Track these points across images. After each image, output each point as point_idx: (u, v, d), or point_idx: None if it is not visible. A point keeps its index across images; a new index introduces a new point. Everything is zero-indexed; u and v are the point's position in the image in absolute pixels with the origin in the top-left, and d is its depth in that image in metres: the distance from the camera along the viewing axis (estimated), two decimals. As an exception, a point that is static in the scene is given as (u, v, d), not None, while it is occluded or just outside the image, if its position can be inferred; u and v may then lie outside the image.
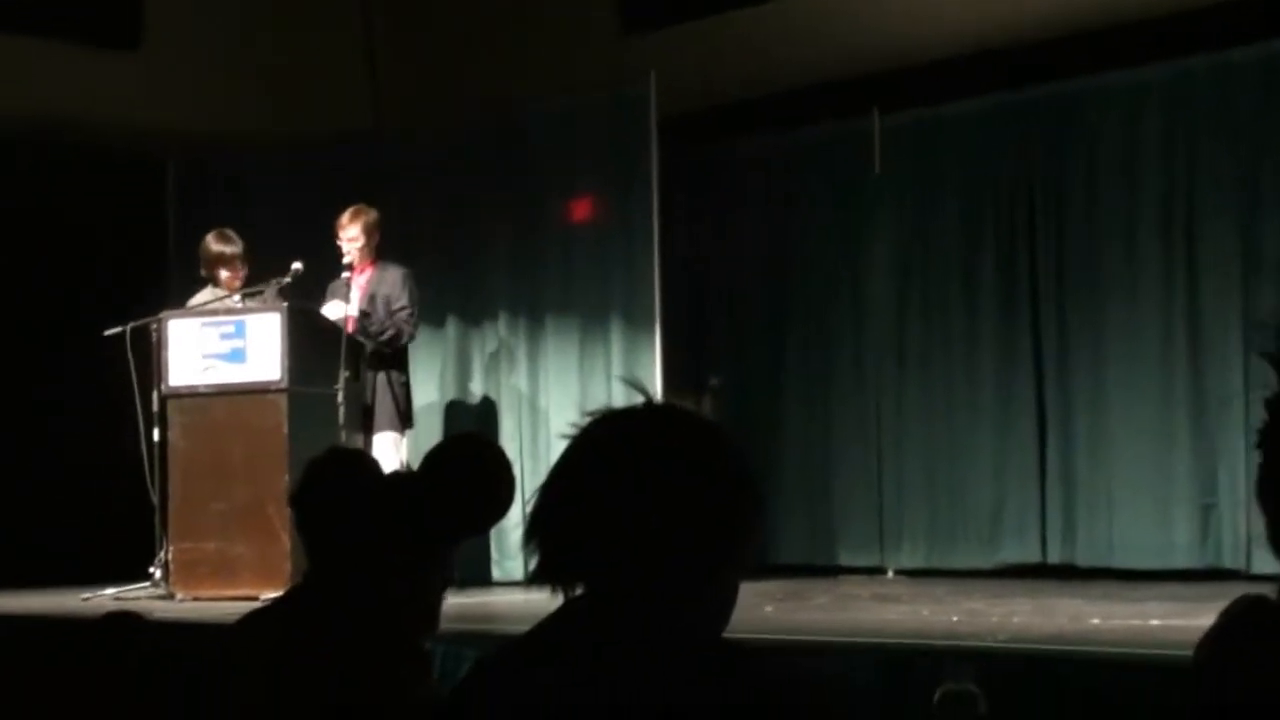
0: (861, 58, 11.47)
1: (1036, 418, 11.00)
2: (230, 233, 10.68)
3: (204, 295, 10.62)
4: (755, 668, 2.28)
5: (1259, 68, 10.29)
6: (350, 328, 10.19)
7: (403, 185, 11.80)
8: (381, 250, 10.56)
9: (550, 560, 2.36)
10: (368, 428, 10.29)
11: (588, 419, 2.41)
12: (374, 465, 4.30)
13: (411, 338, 10.58)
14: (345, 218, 10.43)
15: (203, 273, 10.68)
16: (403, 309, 10.40)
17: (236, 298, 10.48)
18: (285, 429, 9.69)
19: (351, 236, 10.38)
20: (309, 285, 10.46)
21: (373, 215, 10.49)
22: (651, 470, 2.32)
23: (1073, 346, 10.87)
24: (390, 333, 10.37)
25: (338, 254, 10.41)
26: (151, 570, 10.26)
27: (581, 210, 11.60)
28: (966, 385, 11.31)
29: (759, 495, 2.41)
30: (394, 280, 10.45)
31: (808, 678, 2.30)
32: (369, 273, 10.46)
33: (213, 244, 10.64)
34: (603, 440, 2.39)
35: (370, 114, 13.19)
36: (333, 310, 10.25)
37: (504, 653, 2.38)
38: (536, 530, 2.37)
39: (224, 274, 10.57)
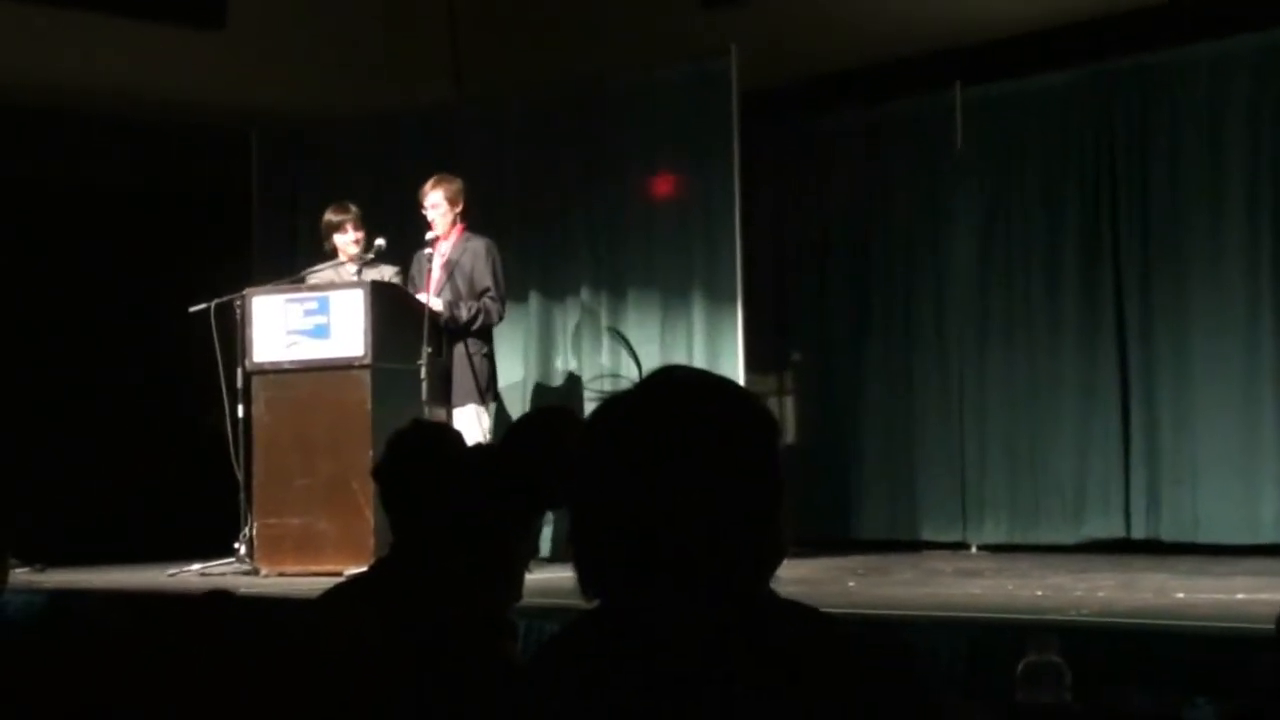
0: (943, 31, 11.42)
1: (1120, 391, 10.93)
2: (346, 203, 10.73)
3: (320, 269, 10.71)
4: (839, 628, 2.29)
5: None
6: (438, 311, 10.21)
7: (483, 157, 11.81)
8: (467, 220, 10.56)
9: (601, 569, 2.35)
10: (448, 401, 10.30)
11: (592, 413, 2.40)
12: (457, 438, 4.31)
13: (500, 317, 10.51)
14: (428, 185, 10.41)
15: (325, 247, 10.75)
16: (488, 290, 10.36)
17: (353, 269, 10.55)
18: (369, 404, 9.73)
19: (434, 203, 10.35)
20: (395, 257, 10.53)
21: (456, 183, 10.46)
22: (668, 447, 2.30)
23: (1157, 319, 10.79)
24: (478, 317, 10.31)
25: (422, 224, 10.43)
26: (236, 546, 10.33)
27: (663, 184, 11.57)
28: (1049, 360, 11.24)
29: (771, 422, 2.39)
30: (477, 254, 10.39)
31: (881, 635, 2.30)
32: (453, 240, 10.44)
33: (325, 214, 10.71)
34: (608, 436, 2.37)
35: (451, 86, 13.21)
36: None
37: (582, 621, 2.38)
38: (580, 547, 2.36)
39: (338, 241, 10.61)
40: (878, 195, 12.19)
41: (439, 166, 10.70)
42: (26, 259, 12.61)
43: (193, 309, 10.27)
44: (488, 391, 10.43)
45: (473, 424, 10.03)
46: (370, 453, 9.26)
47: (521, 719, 2.36)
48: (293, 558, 9.86)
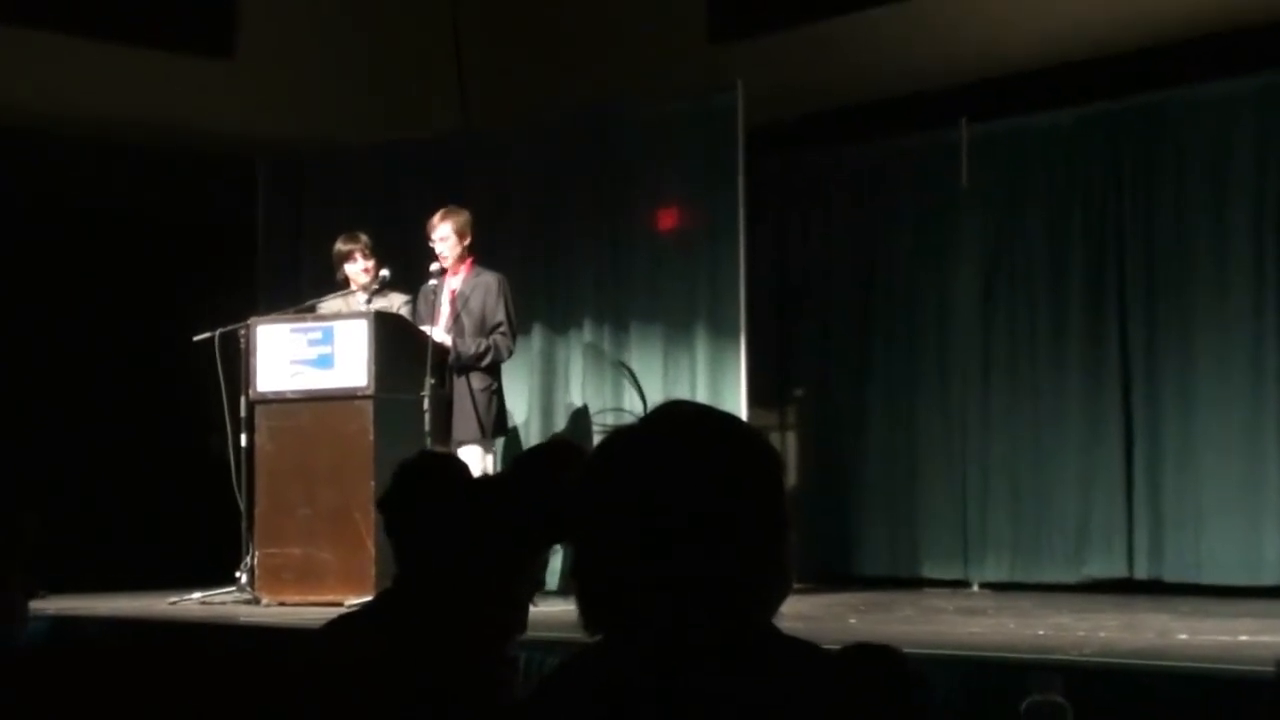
0: (949, 68, 11.43)
1: (1123, 430, 10.91)
2: (356, 233, 10.75)
3: (330, 299, 10.74)
4: (839, 664, 2.29)
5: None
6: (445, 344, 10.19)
7: (489, 188, 11.78)
8: (475, 252, 10.53)
9: (603, 603, 2.35)
10: (450, 433, 10.26)
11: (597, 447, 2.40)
12: (462, 469, 4.31)
13: (510, 352, 10.50)
14: (436, 218, 10.39)
15: (337, 276, 10.76)
16: (499, 325, 10.33)
17: (363, 298, 10.59)
18: (371, 435, 9.72)
19: (443, 235, 10.33)
20: (402, 287, 10.55)
21: (464, 216, 10.44)
22: (671, 483, 2.30)
23: (1160, 359, 10.77)
24: (488, 353, 10.28)
25: (430, 256, 10.42)
26: (237, 575, 10.32)
27: (668, 218, 11.55)
28: (1052, 397, 11.23)
29: (775, 458, 2.38)
30: (489, 288, 10.37)
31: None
32: (462, 275, 10.42)
33: (335, 244, 10.73)
34: (611, 470, 2.37)
35: (458, 118, 13.24)
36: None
37: (583, 655, 2.38)
38: (582, 580, 2.36)
39: (349, 270, 10.64)
40: (882, 231, 12.18)
41: (445, 197, 10.71)
42: (31, 284, 12.62)
43: (197, 338, 10.29)
44: (493, 428, 10.40)
45: (475, 463, 9.95)
46: (372, 483, 9.28)
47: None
48: (294, 587, 9.85)
